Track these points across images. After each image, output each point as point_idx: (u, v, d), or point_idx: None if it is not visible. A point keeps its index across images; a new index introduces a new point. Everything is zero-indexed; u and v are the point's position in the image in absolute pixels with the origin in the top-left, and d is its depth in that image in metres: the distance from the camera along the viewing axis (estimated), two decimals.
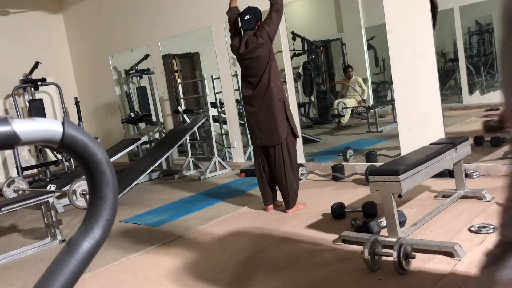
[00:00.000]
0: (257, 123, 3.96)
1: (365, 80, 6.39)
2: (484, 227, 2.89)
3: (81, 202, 4.30)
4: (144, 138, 6.83)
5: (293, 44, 6.06)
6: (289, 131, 3.94)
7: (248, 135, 6.34)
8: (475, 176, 4.17)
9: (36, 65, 7.80)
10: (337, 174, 4.90)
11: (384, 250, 2.55)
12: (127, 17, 7.53)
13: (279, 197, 4.09)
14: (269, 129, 3.90)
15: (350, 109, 6.67)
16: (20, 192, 5.19)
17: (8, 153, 7.97)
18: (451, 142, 3.43)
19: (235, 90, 6.34)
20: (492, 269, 0.91)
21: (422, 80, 4.43)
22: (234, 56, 4.17)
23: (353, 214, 3.50)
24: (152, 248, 3.52)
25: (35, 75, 7.88)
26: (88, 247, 0.69)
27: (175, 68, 7.79)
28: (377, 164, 4.21)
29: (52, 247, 3.94)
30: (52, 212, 3.98)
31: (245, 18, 3.92)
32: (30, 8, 8.48)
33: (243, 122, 6.49)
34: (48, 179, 7.20)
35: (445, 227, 3.02)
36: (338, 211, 3.54)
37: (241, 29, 3.97)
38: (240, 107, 6.50)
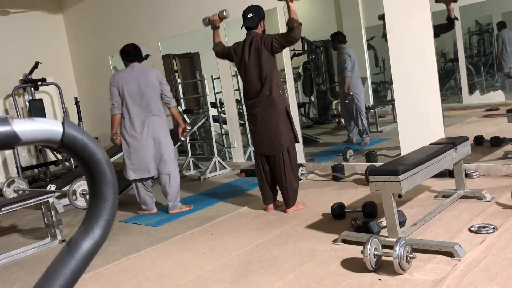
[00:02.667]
0: (258, 133, 3.96)
1: (363, 79, 6.38)
2: (484, 227, 2.89)
3: (81, 202, 4.30)
4: None
5: None
6: (292, 139, 3.93)
7: (249, 136, 6.37)
8: (475, 176, 4.17)
9: (36, 65, 7.80)
10: (337, 174, 4.90)
11: (384, 250, 2.55)
12: (127, 17, 7.53)
13: (279, 197, 4.09)
14: (270, 139, 3.89)
15: None
16: (20, 192, 5.19)
17: (8, 153, 7.97)
18: (451, 142, 3.43)
19: (235, 90, 6.34)
20: None
21: (422, 80, 4.43)
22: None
23: (353, 214, 3.50)
24: (152, 248, 3.52)
25: (35, 75, 7.87)
26: (88, 247, 0.69)
27: (175, 68, 7.79)
28: (377, 164, 4.21)
29: (52, 247, 3.94)
30: (52, 212, 3.98)
31: (248, 16, 3.89)
32: (30, 8, 8.48)
33: (243, 122, 6.49)
34: (48, 179, 7.20)
35: (445, 227, 3.02)
36: (338, 211, 3.53)
37: (244, 27, 3.94)
38: (240, 107, 6.51)
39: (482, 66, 5.58)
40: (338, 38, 6.01)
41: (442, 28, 4.83)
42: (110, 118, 4.43)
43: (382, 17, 4.71)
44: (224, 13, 4.04)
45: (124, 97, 4.32)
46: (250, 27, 3.90)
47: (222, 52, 4.13)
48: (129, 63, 4.42)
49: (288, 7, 3.71)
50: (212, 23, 4.11)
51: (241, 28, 3.97)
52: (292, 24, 3.63)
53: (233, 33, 5.58)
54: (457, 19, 4.90)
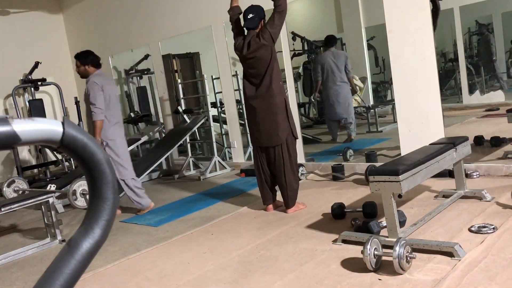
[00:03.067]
0: (256, 124, 3.96)
1: (363, 79, 6.39)
2: (484, 227, 2.89)
3: (81, 202, 4.30)
4: (144, 138, 6.83)
5: (293, 44, 6.06)
6: (290, 131, 3.93)
7: (248, 134, 6.37)
8: (475, 176, 4.17)
9: (36, 65, 7.80)
10: (337, 174, 4.90)
11: (384, 250, 2.55)
12: (127, 17, 7.53)
13: (279, 197, 4.09)
14: (268, 130, 3.90)
15: None
16: (20, 192, 5.19)
17: (8, 153, 7.97)
18: (451, 142, 3.43)
19: (235, 90, 6.34)
20: None
21: (422, 80, 4.43)
22: (234, 56, 4.17)
23: (353, 214, 3.50)
24: (152, 248, 3.52)
25: (35, 75, 7.87)
26: (88, 247, 0.69)
27: (175, 68, 7.79)
28: (377, 164, 4.21)
29: (52, 247, 3.94)
30: (52, 212, 3.98)
31: (248, 17, 3.91)
32: (30, 8, 8.48)
33: (243, 122, 6.49)
34: (48, 179, 7.19)
35: (445, 227, 3.02)
36: (338, 211, 3.53)
37: (244, 28, 3.96)
38: (240, 107, 6.51)
39: (482, 66, 5.59)
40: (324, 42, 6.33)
41: (432, 16, 4.76)
42: (94, 123, 4.37)
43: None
44: None
45: (110, 101, 4.46)
46: (250, 28, 3.91)
47: (234, 21, 4.04)
48: (97, 69, 4.54)
49: None
50: None
51: (242, 30, 3.99)
52: None
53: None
54: None
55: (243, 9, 3.98)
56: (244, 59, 3.94)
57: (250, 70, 3.93)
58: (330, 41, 6.18)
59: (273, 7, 3.82)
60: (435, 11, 4.46)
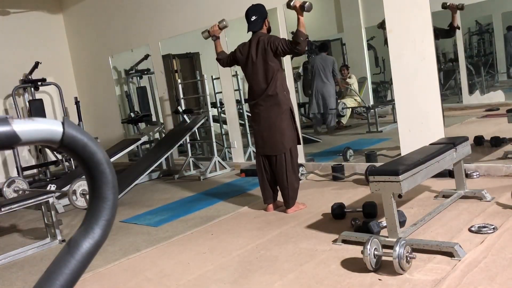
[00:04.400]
0: (260, 132, 3.96)
1: (362, 79, 6.40)
2: (484, 227, 2.89)
3: (81, 202, 4.30)
4: (144, 138, 6.83)
5: None
6: (295, 140, 3.94)
7: (249, 135, 6.37)
8: (475, 176, 4.17)
9: (36, 65, 7.80)
10: (337, 174, 4.90)
11: (384, 250, 2.55)
12: (127, 17, 7.53)
13: (279, 197, 4.09)
14: (272, 139, 3.89)
15: (350, 109, 6.68)
16: (20, 192, 5.19)
17: (8, 153, 7.96)
18: (451, 142, 3.43)
19: (235, 90, 6.34)
20: None
21: (422, 80, 4.43)
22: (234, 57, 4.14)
23: (353, 214, 3.49)
24: (152, 248, 3.52)
25: (35, 75, 7.87)
26: (88, 247, 0.69)
27: (175, 68, 7.79)
28: (377, 164, 4.21)
29: (52, 247, 3.94)
30: (52, 212, 3.98)
31: (252, 19, 3.87)
32: (30, 8, 8.48)
33: (243, 122, 6.49)
34: (48, 179, 7.19)
35: (445, 227, 3.02)
36: (338, 211, 3.53)
37: (248, 31, 3.93)
38: (240, 107, 6.51)
39: (482, 66, 5.58)
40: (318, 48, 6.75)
41: (443, 32, 4.87)
42: None
43: (381, 26, 4.76)
44: (224, 23, 4.11)
45: None
46: (255, 31, 3.89)
47: (226, 60, 4.17)
48: None
49: (298, 19, 3.64)
50: (213, 34, 4.14)
51: (247, 32, 3.94)
52: (299, 38, 3.60)
53: (234, 32, 5.58)
54: (459, 28, 4.92)
55: (243, 10, 3.96)
56: (250, 61, 3.90)
57: (254, 75, 3.89)
58: (322, 47, 6.66)
59: (292, 40, 3.67)
60: (451, 33, 4.63)
